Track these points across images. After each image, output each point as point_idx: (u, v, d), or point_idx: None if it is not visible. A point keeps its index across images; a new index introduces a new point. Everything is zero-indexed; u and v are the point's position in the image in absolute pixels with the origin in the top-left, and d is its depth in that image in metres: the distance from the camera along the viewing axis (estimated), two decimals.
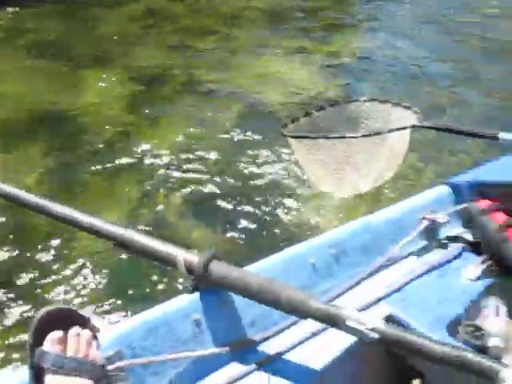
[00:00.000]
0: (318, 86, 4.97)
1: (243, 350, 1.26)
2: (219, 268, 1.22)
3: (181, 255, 1.24)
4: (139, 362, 1.11)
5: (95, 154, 3.90)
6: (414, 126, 1.84)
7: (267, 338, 1.29)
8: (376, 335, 1.07)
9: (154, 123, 4.32)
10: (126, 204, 3.38)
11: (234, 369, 1.22)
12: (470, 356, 1.07)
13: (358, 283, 1.47)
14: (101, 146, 4.01)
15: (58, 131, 4.21)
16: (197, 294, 1.24)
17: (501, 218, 1.55)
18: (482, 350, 1.30)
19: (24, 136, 4.10)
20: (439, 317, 1.39)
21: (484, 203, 1.65)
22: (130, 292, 2.73)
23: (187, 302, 1.23)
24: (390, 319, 1.37)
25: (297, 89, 4.91)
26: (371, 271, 1.51)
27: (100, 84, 4.96)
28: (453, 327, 1.36)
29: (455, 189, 1.83)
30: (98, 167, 3.72)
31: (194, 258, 1.23)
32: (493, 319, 1.39)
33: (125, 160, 3.81)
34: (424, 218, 1.67)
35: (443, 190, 1.83)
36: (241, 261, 1.40)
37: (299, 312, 1.15)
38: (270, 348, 1.27)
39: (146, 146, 3.97)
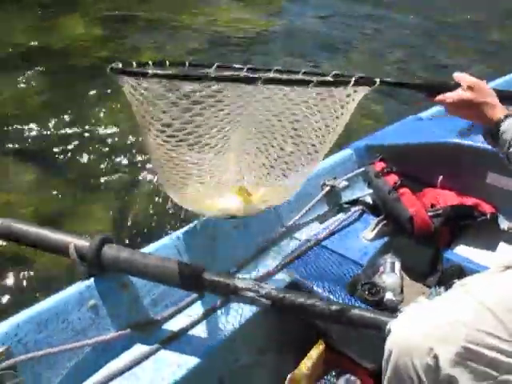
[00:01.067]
0: None
1: (146, 331, 1.25)
2: (112, 252, 1.19)
3: (71, 242, 1.20)
4: (32, 356, 1.07)
5: None
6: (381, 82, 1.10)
7: (170, 317, 1.28)
8: (269, 302, 1.09)
9: None
10: None
11: (138, 350, 1.20)
12: (362, 312, 1.12)
13: (260, 253, 1.49)
14: None
15: None
16: (91, 281, 1.21)
17: (393, 179, 1.62)
18: (379, 305, 1.37)
19: None
20: (339, 279, 1.44)
21: (380, 165, 1.70)
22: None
23: (81, 289, 1.19)
24: (292, 285, 1.41)
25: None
26: (273, 240, 1.53)
27: None
28: (352, 287, 1.42)
29: (357, 152, 1.88)
30: None
31: (85, 243, 1.20)
32: (388, 275, 1.46)
33: None
34: (325, 184, 1.72)
35: (347, 153, 1.88)
36: (140, 243, 1.37)
37: (194, 286, 1.15)
38: (173, 326, 1.27)
39: None
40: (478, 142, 1.56)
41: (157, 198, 2.97)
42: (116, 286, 1.24)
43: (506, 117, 1.13)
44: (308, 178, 1.71)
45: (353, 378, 1.30)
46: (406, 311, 1.00)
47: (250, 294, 1.09)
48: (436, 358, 0.90)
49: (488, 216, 1.59)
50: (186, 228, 1.42)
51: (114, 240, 1.23)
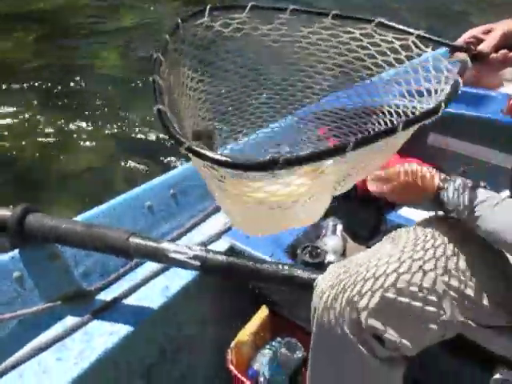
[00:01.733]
0: None
1: (78, 302, 1.20)
2: (36, 220, 1.14)
3: None
4: None
5: None
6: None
7: (104, 287, 1.25)
8: (198, 262, 1.06)
9: None
10: None
11: (69, 322, 1.16)
12: (296, 271, 1.11)
13: (200, 221, 1.46)
14: None
15: None
16: (15, 252, 1.16)
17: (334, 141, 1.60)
18: (321, 267, 1.35)
19: None
20: (280, 243, 1.42)
21: (324, 130, 1.68)
22: None
23: (3, 261, 1.14)
24: (230, 251, 1.38)
25: None
26: (214, 207, 1.50)
27: None
28: (293, 250, 1.40)
29: (304, 121, 1.86)
30: None
31: (6, 213, 1.14)
32: (330, 237, 1.45)
33: None
34: (265, 151, 1.68)
35: (290, 120, 1.85)
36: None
37: (121, 251, 1.11)
38: (106, 296, 1.23)
39: None
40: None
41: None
42: (43, 257, 1.19)
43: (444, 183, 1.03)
44: (247, 148, 1.70)
45: (293, 340, 1.29)
46: (331, 266, 0.99)
47: (179, 256, 1.06)
48: (358, 310, 0.90)
49: None
50: (122, 196, 1.38)
51: (38, 209, 1.17)
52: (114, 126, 3.40)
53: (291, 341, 1.29)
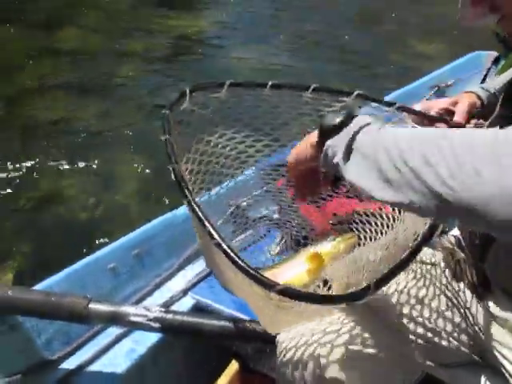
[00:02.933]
0: None
1: (41, 373, 1.18)
2: None
3: None
4: None
5: None
6: None
7: (68, 355, 1.23)
8: (158, 324, 1.06)
9: None
10: None
11: None
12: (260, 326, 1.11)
13: (165, 280, 1.46)
14: None
15: None
16: None
17: (292, 191, 1.64)
18: None
19: None
20: None
21: (283, 181, 1.72)
22: None
23: None
24: (196, 308, 1.38)
25: None
26: (179, 265, 1.50)
27: None
28: None
29: (262, 171, 1.90)
30: None
31: None
32: None
33: None
34: (229, 204, 1.71)
35: (251, 173, 1.89)
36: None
37: (82, 319, 1.10)
38: (70, 364, 1.21)
39: None
40: None
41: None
42: (3, 330, 1.17)
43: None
44: (212, 199, 1.72)
45: None
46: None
47: (139, 319, 1.06)
48: (321, 365, 0.90)
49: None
50: (83, 260, 1.38)
51: None
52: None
53: None
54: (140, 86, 4.54)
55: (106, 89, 4.47)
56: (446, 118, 1.06)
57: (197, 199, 1.53)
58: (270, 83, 1.00)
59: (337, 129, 0.72)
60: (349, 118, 0.72)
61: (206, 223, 0.72)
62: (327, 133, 0.73)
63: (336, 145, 0.71)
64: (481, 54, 2.94)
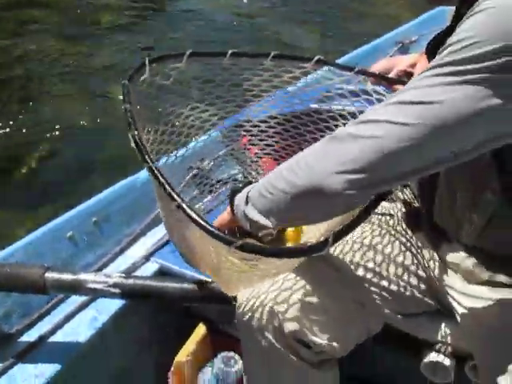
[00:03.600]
0: None
1: None
2: None
3: None
4: None
5: None
6: None
7: (27, 328, 1.19)
8: (118, 290, 1.03)
9: None
10: None
11: None
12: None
13: (127, 246, 1.42)
14: None
15: None
16: None
17: (254, 149, 1.60)
18: None
19: None
20: None
21: (244, 140, 1.69)
22: None
23: None
24: (159, 273, 1.36)
25: None
26: (141, 230, 1.47)
27: None
28: None
29: (224, 131, 1.85)
30: None
31: None
32: None
33: None
34: (191, 168, 1.67)
35: (213, 134, 1.84)
36: None
37: (38, 289, 1.07)
38: (30, 337, 1.17)
39: None
40: (338, 105, 1.57)
41: None
42: None
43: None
44: (173, 163, 1.68)
45: (230, 354, 1.28)
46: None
47: (98, 285, 1.02)
48: (279, 318, 0.90)
49: None
50: (40, 230, 1.33)
51: None
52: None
53: (227, 355, 1.27)
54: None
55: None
56: (404, 80, 1.07)
57: (157, 164, 1.50)
58: (229, 52, 1.01)
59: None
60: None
61: (166, 186, 0.72)
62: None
63: (238, 204, 0.84)
64: (445, 9, 2.92)
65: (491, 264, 0.87)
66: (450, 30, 0.68)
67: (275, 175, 0.77)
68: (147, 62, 0.94)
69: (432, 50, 0.86)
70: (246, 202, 0.80)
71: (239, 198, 0.84)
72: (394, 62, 1.15)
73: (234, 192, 0.88)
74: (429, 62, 0.76)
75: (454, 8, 0.89)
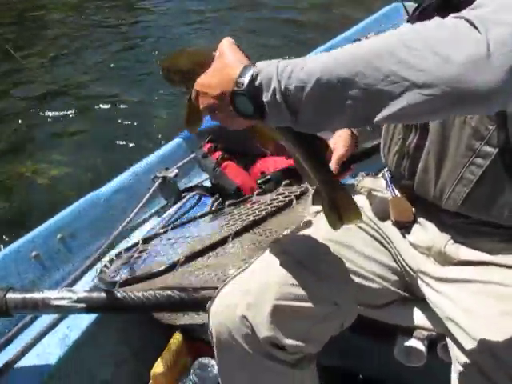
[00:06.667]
0: None
1: None
2: None
3: None
4: None
5: None
6: None
7: None
8: (83, 305, 1.01)
9: None
10: None
11: None
12: (185, 294, 1.08)
13: (95, 261, 1.40)
14: None
15: None
16: None
17: (216, 154, 1.61)
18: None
19: None
20: None
21: (207, 146, 1.69)
22: None
23: None
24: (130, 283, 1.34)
25: None
26: (108, 245, 1.45)
27: None
28: None
29: (187, 139, 1.86)
30: None
31: None
32: None
33: None
34: (156, 177, 1.67)
35: (177, 142, 1.85)
36: None
37: (5, 312, 1.04)
38: (1, 360, 1.14)
39: None
40: None
41: None
42: None
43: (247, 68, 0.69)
44: (137, 174, 1.67)
45: (205, 360, 1.27)
46: (223, 285, 0.95)
47: (62, 302, 1.00)
48: (250, 324, 0.88)
49: None
50: (2, 251, 1.30)
51: None
52: None
53: (203, 361, 1.26)
54: None
55: None
56: None
57: (122, 176, 1.51)
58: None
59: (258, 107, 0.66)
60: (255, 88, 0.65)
61: None
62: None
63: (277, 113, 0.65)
64: (399, 5, 2.95)
65: (468, 235, 0.89)
66: None
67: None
68: None
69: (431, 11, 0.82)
70: (296, 113, 0.64)
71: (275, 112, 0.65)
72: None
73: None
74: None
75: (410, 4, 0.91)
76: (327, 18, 5.61)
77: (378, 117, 0.60)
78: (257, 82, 0.65)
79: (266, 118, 0.67)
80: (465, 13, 0.58)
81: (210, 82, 0.72)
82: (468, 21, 0.56)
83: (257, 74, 0.66)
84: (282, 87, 0.63)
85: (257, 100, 0.66)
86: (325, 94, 0.61)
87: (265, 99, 0.65)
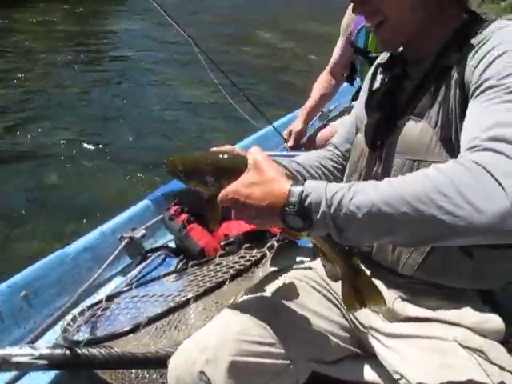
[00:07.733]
0: None
1: None
2: None
3: None
4: None
5: None
6: None
7: None
8: (45, 361, 1.04)
9: None
10: None
11: None
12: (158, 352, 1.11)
13: (58, 319, 1.42)
14: None
15: None
16: None
17: (183, 218, 1.68)
18: None
19: None
20: None
21: (173, 209, 1.76)
22: None
23: None
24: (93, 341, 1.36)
25: None
26: (72, 303, 1.47)
27: None
28: None
29: (155, 201, 1.92)
30: None
31: None
32: None
33: None
34: (123, 237, 1.71)
35: (144, 204, 1.91)
36: None
37: None
38: None
39: None
40: None
41: None
42: None
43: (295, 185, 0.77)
44: (104, 234, 1.71)
45: None
46: (182, 343, 0.99)
47: (23, 359, 1.02)
48: (209, 380, 0.91)
49: (278, 236, 1.70)
50: None
51: None
52: None
53: None
54: None
55: None
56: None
57: (90, 235, 1.55)
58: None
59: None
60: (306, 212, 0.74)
61: None
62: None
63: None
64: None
65: (415, 293, 0.98)
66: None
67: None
68: None
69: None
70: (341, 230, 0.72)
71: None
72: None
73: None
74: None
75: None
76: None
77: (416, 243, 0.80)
78: (306, 203, 0.74)
79: (311, 231, 0.76)
80: (483, 158, 0.68)
81: (250, 192, 0.79)
82: (490, 173, 0.66)
83: (306, 196, 0.74)
84: (332, 212, 0.72)
85: (306, 218, 0.74)
86: (371, 224, 0.71)
87: (314, 218, 0.73)
